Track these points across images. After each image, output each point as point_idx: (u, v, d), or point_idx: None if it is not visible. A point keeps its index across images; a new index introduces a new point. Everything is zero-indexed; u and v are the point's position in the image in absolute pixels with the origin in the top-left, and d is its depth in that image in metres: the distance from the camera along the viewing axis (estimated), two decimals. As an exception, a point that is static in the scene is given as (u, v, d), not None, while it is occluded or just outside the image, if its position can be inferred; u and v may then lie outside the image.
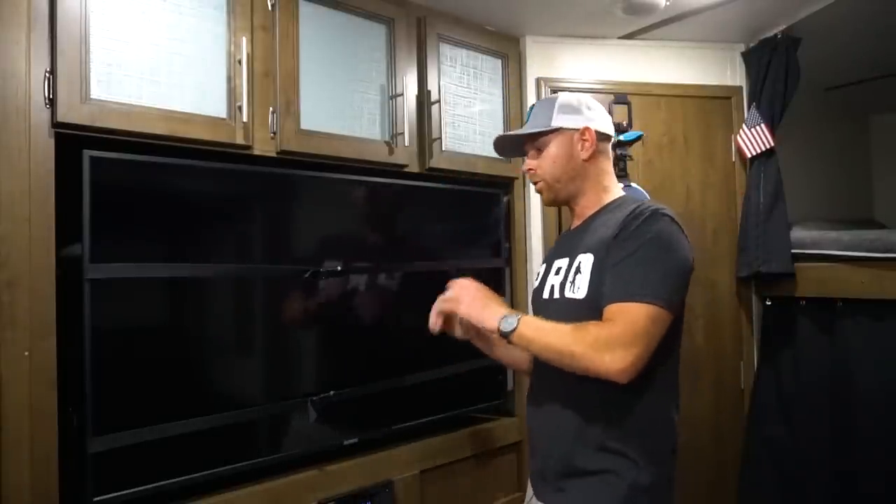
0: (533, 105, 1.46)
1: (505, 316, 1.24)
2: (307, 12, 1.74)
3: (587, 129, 1.35)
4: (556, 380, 1.27)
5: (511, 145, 1.49)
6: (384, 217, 1.93)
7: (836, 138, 3.33)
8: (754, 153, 2.45)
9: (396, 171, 1.94)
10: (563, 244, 1.44)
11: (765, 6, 2.26)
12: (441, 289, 1.38)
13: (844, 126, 3.40)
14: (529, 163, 1.42)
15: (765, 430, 2.47)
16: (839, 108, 3.26)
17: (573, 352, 1.15)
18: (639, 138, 2.41)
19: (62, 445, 1.30)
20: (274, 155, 1.66)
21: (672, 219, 1.24)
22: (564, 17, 2.28)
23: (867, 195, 3.54)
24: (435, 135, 2.01)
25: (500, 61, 2.30)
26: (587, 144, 1.35)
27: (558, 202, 1.43)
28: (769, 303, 2.52)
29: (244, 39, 1.58)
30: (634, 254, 1.18)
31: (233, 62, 1.58)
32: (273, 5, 1.65)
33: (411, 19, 2.01)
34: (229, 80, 1.58)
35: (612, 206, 1.34)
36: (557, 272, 1.35)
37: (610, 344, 1.13)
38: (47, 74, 1.30)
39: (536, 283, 1.44)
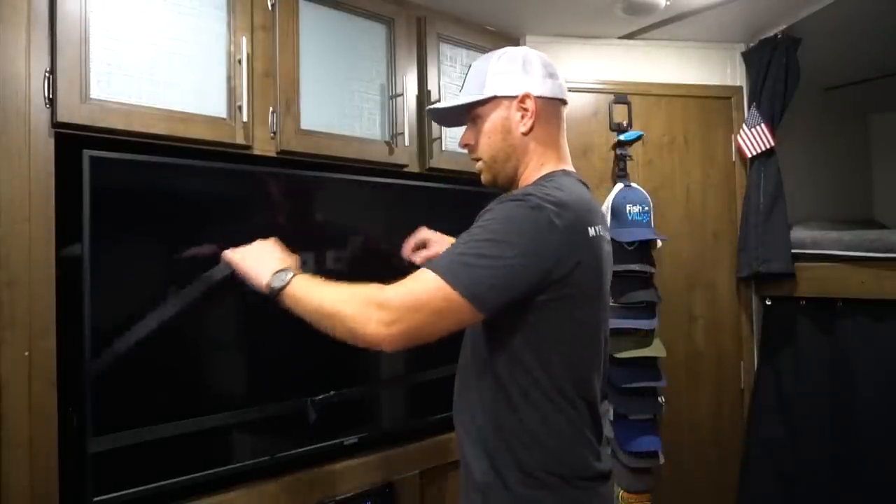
0: (470, 65, 1.23)
1: (278, 271, 1.11)
2: (307, 12, 1.74)
3: (527, 95, 1.14)
4: (461, 377, 1.18)
5: (452, 115, 1.25)
6: (384, 217, 1.93)
7: (836, 138, 3.33)
8: (754, 153, 2.45)
9: (396, 171, 1.94)
10: None
11: (765, 6, 2.26)
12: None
13: (844, 126, 3.40)
14: (465, 137, 1.22)
15: (765, 430, 2.47)
16: (839, 108, 3.26)
17: (341, 310, 1.02)
18: (639, 138, 2.42)
19: (62, 445, 1.29)
20: (274, 155, 1.66)
21: (539, 207, 1.00)
22: (564, 16, 2.28)
23: (867, 195, 3.54)
24: (435, 135, 2.01)
25: (500, 61, 2.30)
26: (527, 115, 1.14)
27: (499, 185, 1.21)
28: (769, 303, 2.52)
29: (244, 39, 1.58)
30: (466, 234, 1.03)
31: (233, 62, 1.58)
32: (273, 5, 1.65)
33: (411, 19, 2.01)
34: (229, 79, 1.58)
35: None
36: None
37: (383, 305, 0.99)
38: (47, 74, 1.30)
39: None
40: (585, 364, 1.10)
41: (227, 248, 1.60)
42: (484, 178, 1.22)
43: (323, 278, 1.12)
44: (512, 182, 1.19)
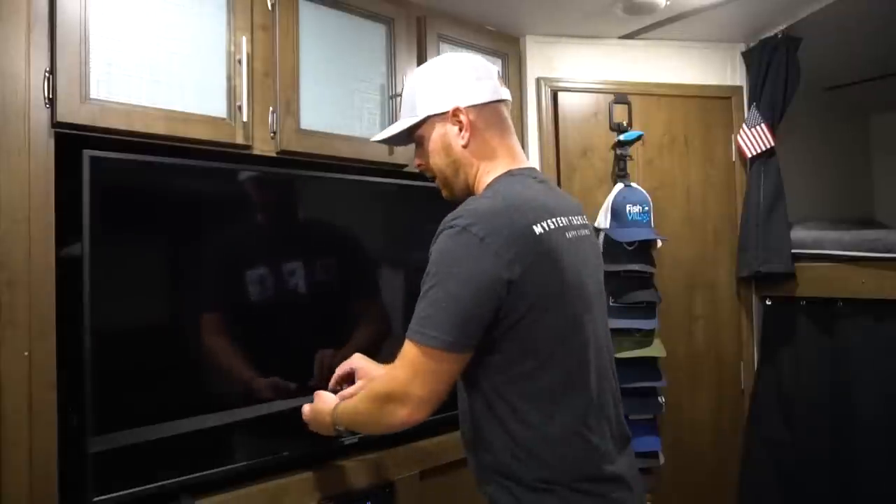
0: (405, 83, 1.26)
1: (332, 426, 1.29)
2: (307, 12, 1.74)
3: (457, 109, 1.12)
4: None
5: (401, 137, 1.25)
6: (384, 217, 1.93)
7: (836, 138, 3.33)
8: (754, 153, 2.45)
9: (396, 171, 1.94)
10: None
11: (765, 6, 2.26)
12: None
13: (844, 126, 3.40)
14: (417, 158, 1.23)
15: (765, 430, 2.47)
16: (839, 108, 3.26)
17: (367, 421, 1.17)
18: (639, 138, 2.42)
19: (62, 445, 1.29)
20: (274, 155, 1.66)
21: (467, 229, 0.99)
22: (564, 16, 2.28)
23: (867, 195, 3.54)
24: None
25: (500, 61, 2.30)
26: (462, 127, 1.12)
27: (458, 198, 1.18)
28: (769, 303, 2.52)
29: (244, 39, 1.58)
30: (422, 287, 1.03)
31: (233, 62, 1.57)
32: (273, 5, 1.65)
33: (411, 19, 2.01)
34: (229, 79, 1.58)
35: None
36: None
37: (388, 396, 1.07)
38: (47, 74, 1.30)
39: None
40: (574, 363, 1.07)
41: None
42: (444, 194, 1.22)
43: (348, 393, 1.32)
44: (468, 192, 1.17)
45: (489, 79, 1.15)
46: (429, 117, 1.15)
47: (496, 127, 1.15)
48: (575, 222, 1.12)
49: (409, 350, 1.03)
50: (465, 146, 1.13)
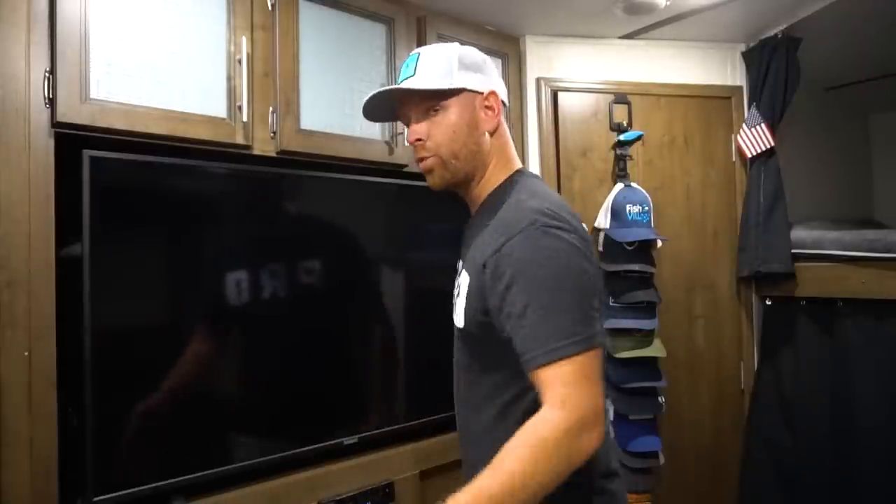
0: (416, 53, 1.12)
1: None
2: (307, 12, 1.74)
3: (493, 93, 1.10)
4: (467, 412, 1.13)
5: (383, 106, 1.16)
6: (384, 216, 1.93)
7: (836, 138, 3.33)
8: (754, 153, 2.45)
9: (396, 171, 1.94)
10: (463, 240, 1.22)
11: (765, 6, 2.26)
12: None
13: (844, 126, 3.40)
14: (416, 130, 1.10)
15: (765, 430, 2.47)
16: (839, 108, 3.26)
17: (549, 481, 0.90)
18: (639, 138, 2.42)
19: (62, 445, 1.29)
20: (274, 155, 1.66)
21: (553, 226, 0.97)
22: (564, 16, 2.28)
23: (867, 195, 3.54)
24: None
25: (500, 61, 2.30)
26: (491, 113, 1.10)
27: (451, 185, 1.13)
28: (769, 303, 2.52)
29: (244, 39, 1.58)
30: (532, 301, 0.94)
31: (233, 62, 1.58)
32: (273, 5, 1.65)
33: (411, 19, 2.01)
34: (229, 79, 1.58)
35: (494, 198, 1.10)
36: (457, 276, 1.17)
37: (574, 430, 0.90)
38: (47, 74, 1.30)
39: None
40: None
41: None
42: (435, 178, 1.11)
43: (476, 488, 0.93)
44: (464, 184, 1.13)
45: (503, 82, 1.17)
46: (464, 90, 1.08)
47: (507, 127, 1.16)
48: None
49: (569, 367, 0.91)
50: (490, 133, 1.10)
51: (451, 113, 1.08)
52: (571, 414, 0.90)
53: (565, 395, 0.90)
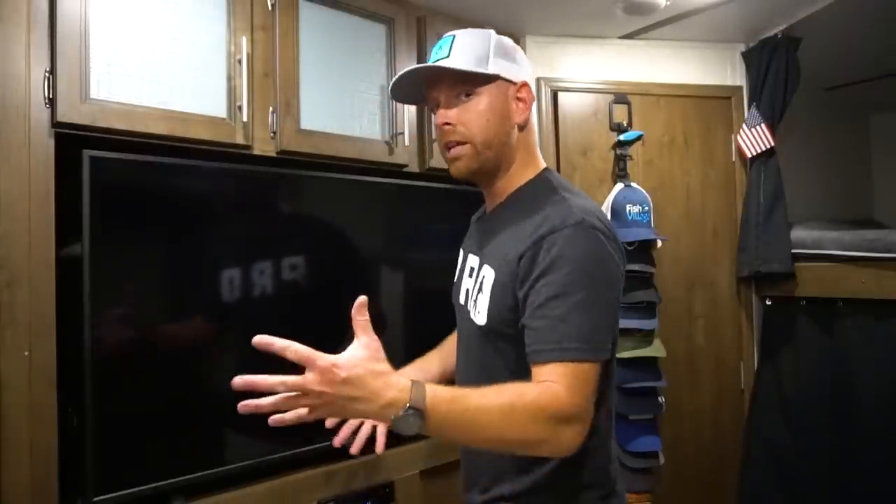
0: (452, 35, 1.07)
1: (403, 413, 0.83)
2: (307, 12, 1.74)
3: (525, 84, 1.08)
4: None
5: (411, 86, 1.10)
6: (384, 217, 1.93)
7: (836, 138, 3.33)
8: (754, 153, 2.45)
9: (396, 171, 1.94)
10: (477, 233, 1.18)
11: (765, 6, 2.26)
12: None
13: (844, 126, 3.40)
14: (446, 114, 1.05)
15: (765, 430, 2.47)
16: (839, 108, 3.26)
17: (516, 437, 0.88)
18: (639, 138, 2.42)
19: (62, 445, 1.29)
20: (274, 155, 1.66)
21: (600, 229, 0.96)
22: (564, 17, 2.28)
23: (867, 195, 3.54)
24: (435, 135, 2.01)
25: (500, 61, 2.30)
26: (522, 105, 1.07)
27: (475, 176, 1.08)
28: (769, 303, 2.52)
29: (244, 39, 1.58)
30: (561, 294, 0.92)
31: (233, 62, 1.58)
32: (273, 5, 1.65)
33: (411, 19, 2.01)
34: (229, 80, 1.58)
35: (526, 193, 1.07)
36: (471, 274, 1.12)
37: (566, 419, 0.88)
38: (47, 74, 1.30)
39: (455, 277, 1.24)
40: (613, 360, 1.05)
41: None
42: (461, 166, 1.06)
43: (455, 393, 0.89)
44: (488, 176, 1.09)
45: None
46: (499, 77, 1.05)
47: (534, 123, 1.15)
48: None
49: (578, 370, 0.90)
50: (520, 126, 1.08)
51: (484, 100, 1.04)
52: (571, 404, 0.88)
53: (573, 387, 0.89)
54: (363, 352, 0.86)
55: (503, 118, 1.05)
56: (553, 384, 0.89)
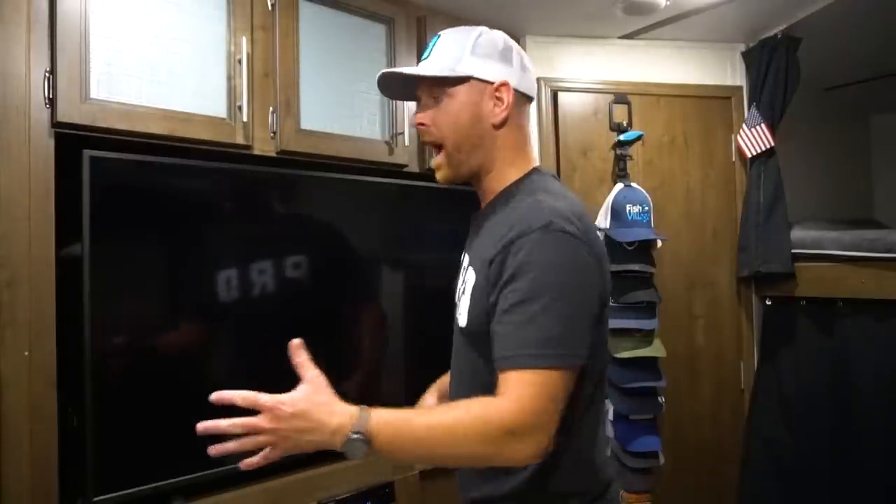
0: (438, 35, 1.08)
1: (349, 439, 0.86)
2: (307, 12, 1.74)
3: (504, 84, 1.04)
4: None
5: (399, 84, 1.11)
6: (384, 216, 1.93)
7: (836, 138, 3.33)
8: (754, 153, 2.45)
9: (396, 171, 1.94)
10: (471, 232, 1.16)
11: (765, 6, 2.26)
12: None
13: (844, 126, 3.40)
14: (422, 115, 1.06)
15: (765, 430, 2.47)
16: (839, 108, 3.26)
17: (464, 453, 0.88)
18: (639, 138, 2.42)
19: (62, 445, 1.29)
20: (274, 155, 1.66)
21: (570, 233, 0.92)
22: (564, 16, 2.28)
23: (867, 195, 3.54)
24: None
25: (500, 61, 2.30)
26: (501, 105, 1.04)
27: (461, 179, 1.08)
28: (769, 303, 2.52)
29: (244, 39, 1.58)
30: (526, 300, 0.89)
31: (233, 62, 1.58)
32: (273, 5, 1.65)
33: (411, 19, 2.01)
34: (229, 79, 1.58)
35: (509, 194, 1.05)
36: (462, 273, 1.11)
37: (515, 432, 0.85)
38: (47, 74, 1.30)
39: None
40: (602, 368, 1.03)
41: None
42: (442, 175, 1.08)
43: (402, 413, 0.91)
44: (473, 177, 1.08)
45: (531, 73, 1.10)
46: (471, 78, 1.03)
47: (525, 120, 1.10)
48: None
49: (538, 378, 0.87)
50: (496, 126, 1.04)
51: (456, 101, 1.04)
52: (520, 416, 0.86)
53: (524, 397, 0.86)
54: (307, 386, 0.91)
55: (476, 119, 1.04)
56: (503, 396, 0.88)
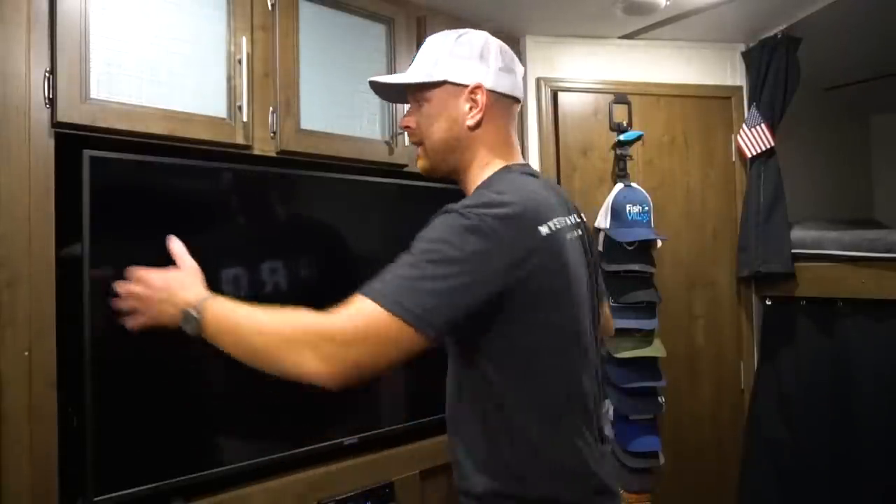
0: (426, 39, 1.14)
1: (186, 311, 0.95)
2: (307, 12, 1.74)
3: (478, 86, 1.06)
4: (448, 412, 1.10)
5: (392, 90, 1.17)
6: (384, 217, 1.93)
7: (836, 138, 3.33)
8: (754, 153, 2.45)
9: (396, 171, 1.94)
10: None
11: (765, 6, 2.26)
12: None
13: (844, 126, 3.41)
14: (407, 118, 1.13)
15: (765, 430, 2.47)
16: (839, 108, 3.26)
17: (268, 347, 0.91)
18: (639, 138, 2.42)
19: (62, 445, 1.29)
20: (274, 155, 1.66)
21: (465, 215, 0.93)
22: (564, 17, 2.28)
23: (867, 195, 3.54)
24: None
25: (500, 61, 2.30)
26: (476, 107, 1.06)
27: (437, 175, 1.14)
28: (769, 303, 2.52)
29: (244, 39, 1.58)
30: (399, 261, 0.95)
31: (233, 62, 1.58)
32: (273, 5, 1.65)
33: (411, 19, 2.01)
34: (229, 79, 1.58)
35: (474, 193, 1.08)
36: None
37: (320, 339, 0.88)
38: (47, 74, 1.30)
39: None
40: (573, 371, 1.02)
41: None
42: (421, 165, 1.14)
43: (247, 305, 0.96)
44: (452, 175, 1.13)
45: (514, 73, 1.12)
46: (446, 82, 1.07)
47: (506, 120, 1.11)
48: (570, 222, 1.08)
49: (366, 309, 0.88)
50: (472, 127, 1.07)
51: (433, 104, 1.08)
52: (333, 330, 0.88)
53: (352, 318, 0.89)
54: (180, 270, 1.04)
55: (451, 121, 1.07)
56: (336, 311, 0.90)
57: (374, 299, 0.89)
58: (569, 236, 1.05)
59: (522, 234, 0.95)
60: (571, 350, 1.02)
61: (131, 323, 1.02)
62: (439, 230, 0.95)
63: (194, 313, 0.95)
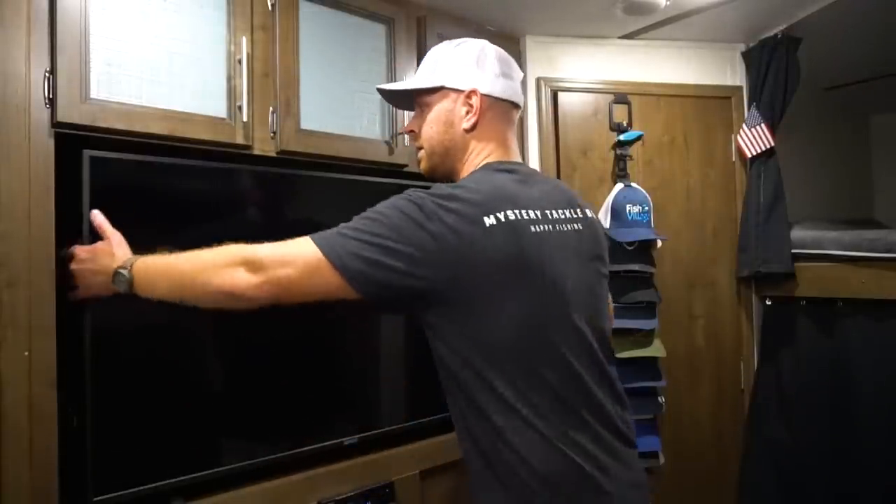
0: (431, 49, 1.22)
1: (116, 272, 1.09)
2: (307, 12, 1.74)
3: (473, 91, 1.11)
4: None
5: (400, 97, 1.26)
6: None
7: (836, 138, 3.33)
8: (754, 153, 2.45)
9: (396, 171, 1.94)
10: None
11: (765, 6, 2.26)
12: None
13: (844, 126, 3.41)
14: (410, 124, 1.21)
15: (765, 430, 2.48)
16: (839, 108, 3.26)
17: (203, 272, 1.04)
18: (639, 138, 2.42)
19: (62, 445, 1.29)
20: (274, 155, 1.66)
21: (413, 198, 1.02)
22: (564, 16, 2.28)
23: (867, 195, 3.54)
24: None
25: (500, 61, 2.30)
26: (471, 111, 1.11)
27: (437, 176, 1.19)
28: (769, 303, 2.52)
29: (244, 39, 1.58)
30: (363, 216, 1.05)
31: (233, 62, 1.58)
32: (273, 5, 1.65)
33: (411, 19, 2.01)
34: (229, 79, 1.58)
35: None
36: None
37: (250, 257, 1.01)
38: (47, 74, 1.30)
39: None
40: (542, 363, 1.00)
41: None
42: (422, 166, 1.21)
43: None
44: (451, 176, 1.17)
45: (512, 79, 1.16)
46: (443, 87, 1.13)
47: (503, 124, 1.15)
48: (560, 216, 1.08)
49: (300, 242, 1.02)
50: (467, 130, 1.13)
51: (432, 109, 1.15)
52: (264, 253, 1.01)
53: (285, 246, 1.03)
54: (105, 241, 1.17)
55: (447, 125, 1.14)
56: (279, 244, 1.03)
57: (311, 237, 1.02)
58: (547, 227, 1.04)
59: (461, 221, 0.98)
60: (534, 343, 1.00)
61: (71, 297, 1.16)
62: (388, 203, 1.04)
63: (124, 272, 1.07)
